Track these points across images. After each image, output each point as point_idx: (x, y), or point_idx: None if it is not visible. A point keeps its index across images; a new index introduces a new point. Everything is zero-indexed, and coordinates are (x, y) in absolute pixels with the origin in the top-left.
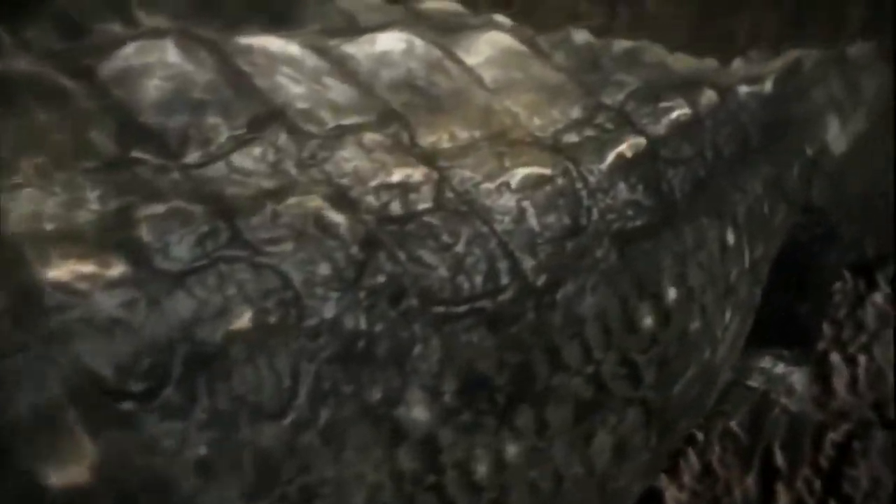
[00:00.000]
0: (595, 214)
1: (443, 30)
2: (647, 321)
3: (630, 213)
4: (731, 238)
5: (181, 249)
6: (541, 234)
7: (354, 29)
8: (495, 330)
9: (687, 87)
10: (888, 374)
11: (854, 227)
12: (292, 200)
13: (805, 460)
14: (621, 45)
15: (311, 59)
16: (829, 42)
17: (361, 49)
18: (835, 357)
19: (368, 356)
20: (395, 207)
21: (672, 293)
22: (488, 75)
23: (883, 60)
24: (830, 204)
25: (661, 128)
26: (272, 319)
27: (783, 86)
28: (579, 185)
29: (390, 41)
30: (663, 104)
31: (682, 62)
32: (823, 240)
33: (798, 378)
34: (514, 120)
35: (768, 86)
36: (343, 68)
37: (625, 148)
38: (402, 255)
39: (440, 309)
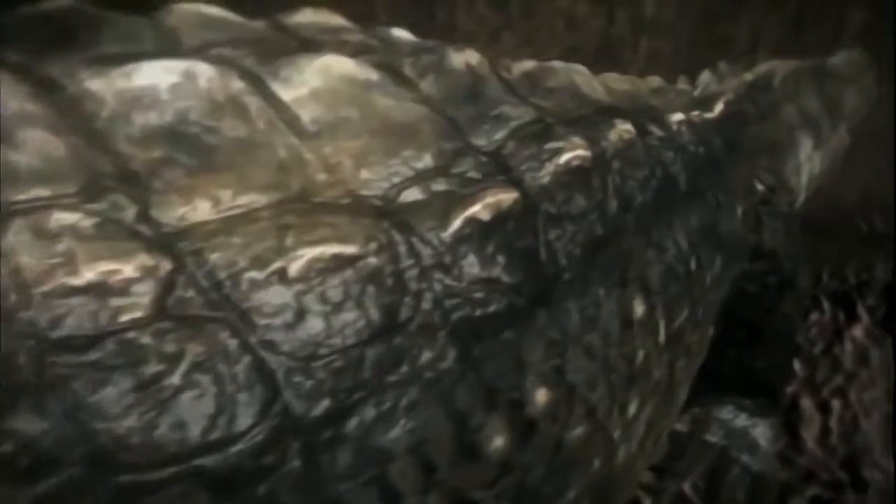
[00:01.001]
0: (426, 303)
1: (271, 54)
2: (498, 442)
3: (483, 295)
4: (638, 309)
5: None
6: (326, 340)
7: (142, 55)
8: (225, 497)
9: (595, 119)
10: (864, 422)
11: (833, 250)
12: None
13: None
14: (523, 66)
15: (15, 104)
16: (829, 47)
17: (113, 85)
18: (806, 402)
19: None
20: (74, 325)
21: (541, 396)
22: (309, 114)
23: (873, 70)
24: (785, 246)
25: (544, 175)
26: None
27: (740, 107)
28: (407, 262)
29: (159, 73)
30: (553, 144)
31: (606, 86)
32: (777, 289)
33: (762, 431)
34: (331, 175)
35: (718, 109)
36: (69, 114)
37: (480, 208)
38: (57, 405)
39: (126, 478)
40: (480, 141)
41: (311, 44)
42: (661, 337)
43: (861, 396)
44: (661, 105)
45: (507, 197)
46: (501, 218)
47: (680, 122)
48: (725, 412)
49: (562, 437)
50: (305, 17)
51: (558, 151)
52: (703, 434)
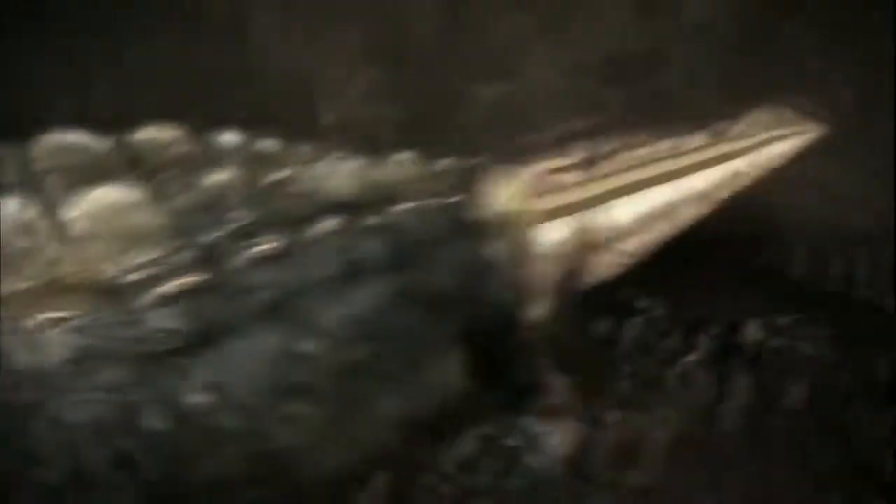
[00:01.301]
0: (114, 343)
1: (80, 179)
2: (156, 424)
3: (159, 337)
4: (308, 347)
5: None
6: (36, 362)
7: None
8: None
9: (307, 218)
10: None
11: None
12: None
13: None
14: (277, 175)
15: None
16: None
17: None
18: (612, 415)
19: None
20: None
21: (197, 398)
22: (80, 228)
23: None
24: (504, 296)
25: (238, 261)
26: None
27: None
28: (108, 320)
29: None
30: (253, 240)
31: (367, 177)
32: (498, 328)
33: (555, 437)
34: (82, 267)
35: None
36: None
37: (171, 286)
38: None
39: None
40: (204, 239)
41: (138, 160)
42: (332, 365)
43: (665, 415)
44: (406, 192)
45: (195, 278)
46: (188, 292)
47: (409, 210)
48: (528, 421)
49: (213, 424)
50: (146, 133)
51: (255, 244)
52: (503, 438)
